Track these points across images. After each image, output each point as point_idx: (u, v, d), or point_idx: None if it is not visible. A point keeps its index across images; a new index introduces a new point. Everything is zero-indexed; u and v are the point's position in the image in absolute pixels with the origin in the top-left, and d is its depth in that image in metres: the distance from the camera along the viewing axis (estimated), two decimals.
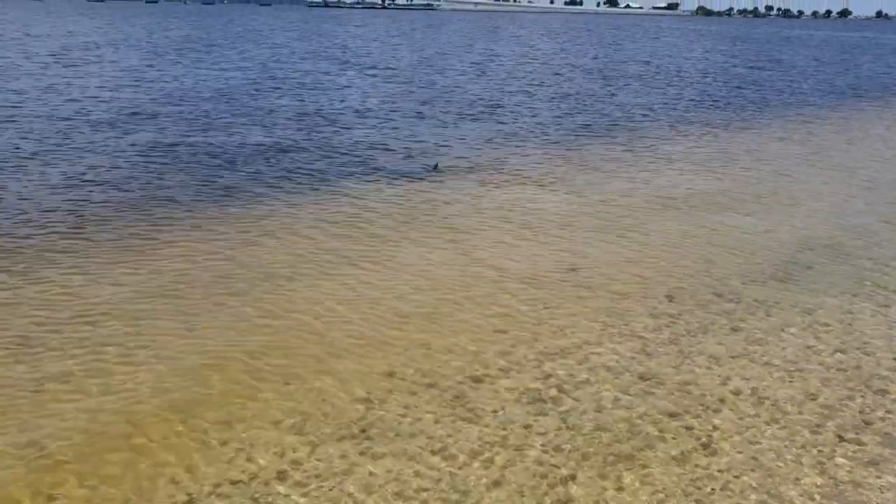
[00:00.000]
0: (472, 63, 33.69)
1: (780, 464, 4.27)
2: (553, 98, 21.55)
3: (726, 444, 4.43)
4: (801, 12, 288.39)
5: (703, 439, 4.48)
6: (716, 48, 54.14)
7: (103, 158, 11.70)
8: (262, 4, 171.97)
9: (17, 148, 12.23)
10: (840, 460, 4.31)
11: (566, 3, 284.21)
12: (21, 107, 16.49)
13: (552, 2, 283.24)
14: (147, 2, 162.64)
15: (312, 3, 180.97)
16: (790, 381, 5.22)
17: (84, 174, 10.64)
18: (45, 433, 4.39)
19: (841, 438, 4.52)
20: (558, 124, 16.82)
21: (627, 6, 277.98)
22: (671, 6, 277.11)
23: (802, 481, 4.12)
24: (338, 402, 4.82)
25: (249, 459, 4.22)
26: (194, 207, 9.20)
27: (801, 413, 4.80)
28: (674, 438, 4.48)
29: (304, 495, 3.93)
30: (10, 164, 11.10)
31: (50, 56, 29.48)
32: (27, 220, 8.43)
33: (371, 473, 4.11)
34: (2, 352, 5.33)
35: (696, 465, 4.24)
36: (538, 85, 25.13)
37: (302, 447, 4.34)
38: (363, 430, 4.51)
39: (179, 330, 5.78)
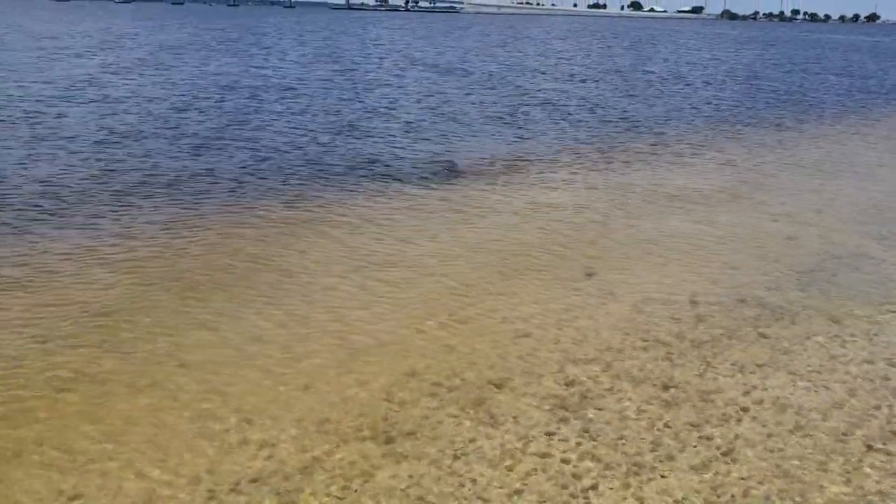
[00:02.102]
0: (495, 65, 33.67)
1: (805, 472, 4.23)
2: (577, 100, 21.48)
3: (749, 452, 4.40)
4: (827, 16, 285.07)
5: (725, 448, 4.45)
6: (741, 51, 53.63)
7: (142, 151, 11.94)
8: (286, 7, 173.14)
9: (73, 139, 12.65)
10: (867, 470, 4.26)
11: (590, 7, 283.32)
12: (72, 101, 16.79)
13: (575, 5, 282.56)
14: (172, 3, 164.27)
15: (335, 5, 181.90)
16: (815, 391, 5.16)
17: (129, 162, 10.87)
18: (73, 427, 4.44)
19: (869, 448, 4.47)
20: (582, 127, 16.77)
21: (651, 10, 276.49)
22: (696, 10, 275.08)
23: (828, 490, 4.07)
24: (359, 402, 4.84)
25: (270, 457, 4.26)
26: (209, 203, 9.30)
27: (826, 422, 4.75)
28: (695, 447, 4.45)
29: (327, 495, 3.95)
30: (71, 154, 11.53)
31: (90, 54, 29.93)
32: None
33: (392, 476, 4.13)
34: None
35: (717, 473, 4.21)
36: (562, 87, 25.07)
37: (324, 446, 4.37)
38: (385, 432, 4.53)
39: (199, 328, 5.84)
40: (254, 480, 4.05)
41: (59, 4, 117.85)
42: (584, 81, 27.72)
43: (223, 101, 18.81)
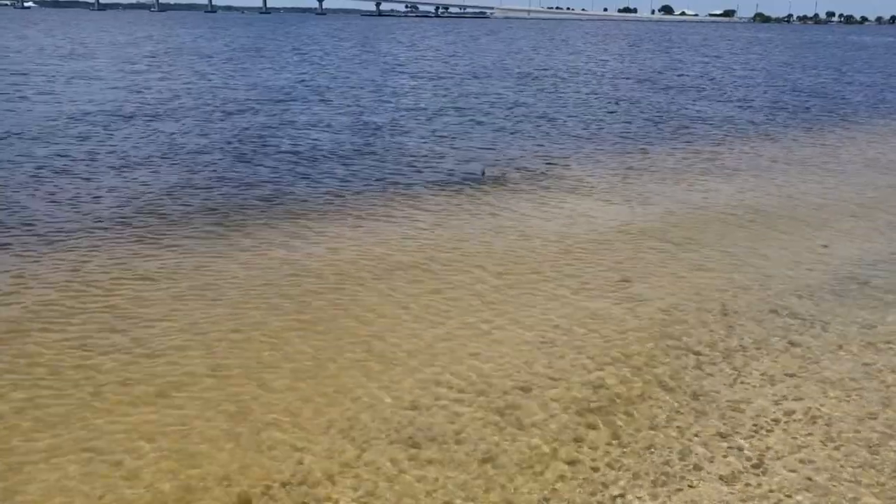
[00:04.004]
0: (526, 71, 33.64)
1: (837, 484, 4.17)
2: (608, 107, 21.36)
3: (778, 464, 4.35)
4: (864, 18, 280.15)
5: (755, 459, 4.41)
6: (777, 56, 52.95)
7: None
8: (318, 14, 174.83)
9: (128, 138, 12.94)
10: None
11: (620, 11, 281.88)
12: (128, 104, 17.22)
13: (605, 9, 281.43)
14: (206, 11, 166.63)
15: (366, 12, 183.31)
16: (847, 401, 5.09)
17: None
18: (110, 439, 4.55)
19: None
20: (612, 134, 16.67)
21: (683, 13, 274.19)
22: (727, 13, 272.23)
23: (860, 502, 4.02)
24: (387, 407, 4.88)
25: (300, 462, 4.31)
26: (250, 203, 9.44)
27: (858, 433, 4.68)
28: (724, 457, 4.42)
29: (354, 500, 3.99)
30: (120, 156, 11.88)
31: (136, 62, 30.55)
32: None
33: (419, 480, 4.16)
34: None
35: (747, 485, 4.17)
36: (593, 93, 24.97)
37: (351, 451, 4.41)
38: (411, 437, 4.56)
39: (229, 333, 5.93)
40: (284, 485, 4.11)
41: (98, 14, 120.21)
42: (615, 86, 27.58)
43: (264, 106, 19.35)
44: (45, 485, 4.07)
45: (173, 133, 14.99)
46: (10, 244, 7.99)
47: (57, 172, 11.32)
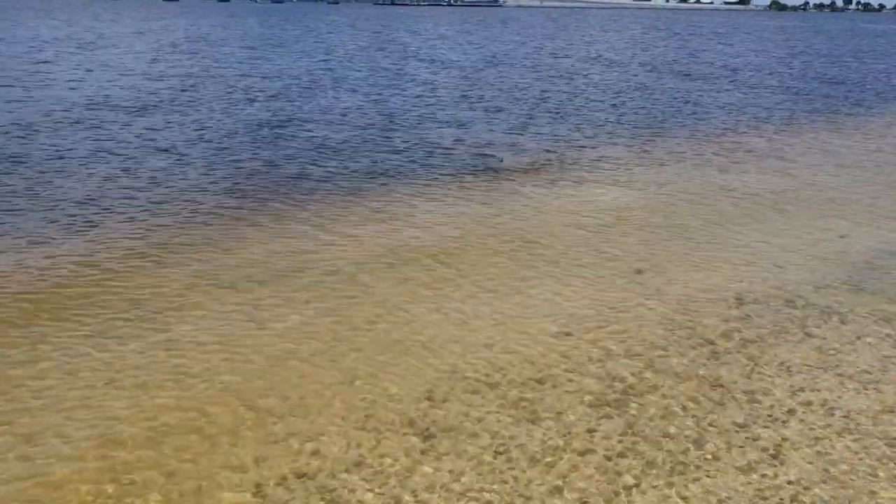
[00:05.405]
0: (542, 60, 33.45)
1: (854, 477, 4.14)
2: (625, 95, 21.21)
3: (796, 455, 4.32)
4: (882, 5, 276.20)
5: (772, 450, 4.38)
6: (795, 45, 52.38)
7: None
8: (330, 3, 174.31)
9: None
10: None
11: None
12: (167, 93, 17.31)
13: None
14: (219, 0, 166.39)
15: (379, 1, 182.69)
16: (865, 393, 5.05)
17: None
18: (120, 417, 4.58)
19: None
20: (629, 122, 16.57)
21: (698, 1, 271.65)
22: (743, 1, 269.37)
23: (879, 496, 3.99)
24: (401, 399, 4.88)
25: (315, 453, 4.32)
26: (265, 190, 9.47)
27: (876, 426, 4.64)
28: (741, 448, 4.40)
29: (369, 490, 4.00)
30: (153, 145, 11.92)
31: (146, 51, 30.63)
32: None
33: (434, 471, 4.16)
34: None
35: (764, 476, 4.15)
36: (610, 82, 24.80)
37: (366, 443, 4.42)
38: (426, 428, 4.56)
39: (248, 325, 5.95)
40: (300, 476, 4.12)
41: (110, 3, 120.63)
42: (631, 73, 27.39)
43: (286, 93, 19.56)
44: None
45: (199, 120, 15.09)
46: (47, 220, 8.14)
47: (87, 157, 11.57)
